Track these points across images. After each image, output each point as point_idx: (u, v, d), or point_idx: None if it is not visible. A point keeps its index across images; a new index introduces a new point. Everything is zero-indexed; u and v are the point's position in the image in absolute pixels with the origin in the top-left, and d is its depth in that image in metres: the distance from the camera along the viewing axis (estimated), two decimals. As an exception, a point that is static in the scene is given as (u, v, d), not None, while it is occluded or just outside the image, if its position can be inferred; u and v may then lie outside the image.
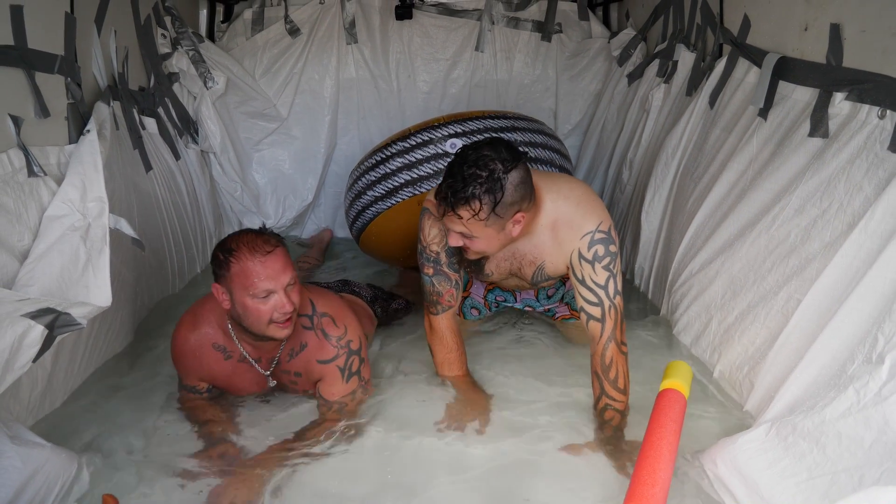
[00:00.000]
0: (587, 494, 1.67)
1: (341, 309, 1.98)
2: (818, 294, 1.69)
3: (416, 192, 2.80)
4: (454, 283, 2.05)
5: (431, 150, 2.79)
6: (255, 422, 1.94)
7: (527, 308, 2.50)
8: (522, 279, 2.08)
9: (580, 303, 1.93)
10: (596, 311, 1.89)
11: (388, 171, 2.85)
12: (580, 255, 1.88)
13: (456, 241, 1.81)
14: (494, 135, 2.67)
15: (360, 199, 2.98)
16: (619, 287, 1.91)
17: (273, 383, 1.98)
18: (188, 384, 1.99)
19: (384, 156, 2.89)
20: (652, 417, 1.71)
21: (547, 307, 2.47)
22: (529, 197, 1.79)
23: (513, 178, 1.71)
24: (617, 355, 1.89)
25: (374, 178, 2.91)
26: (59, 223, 1.88)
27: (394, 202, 2.86)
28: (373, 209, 2.95)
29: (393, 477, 1.73)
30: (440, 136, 2.81)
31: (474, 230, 1.75)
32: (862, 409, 1.37)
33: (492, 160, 1.69)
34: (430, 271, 2.04)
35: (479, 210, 1.69)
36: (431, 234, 2.00)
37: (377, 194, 2.91)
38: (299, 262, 3.44)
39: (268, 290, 1.69)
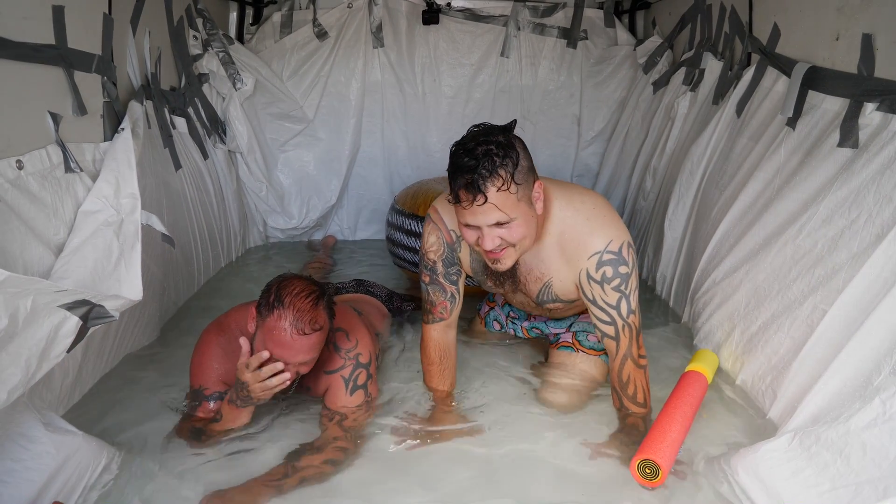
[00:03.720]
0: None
1: (357, 325, 1.99)
2: (844, 305, 1.68)
3: None
4: (449, 295, 1.99)
5: None
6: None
7: (535, 330, 2.39)
8: (527, 296, 1.98)
9: (593, 319, 1.87)
10: (610, 330, 1.85)
11: (414, 245, 2.90)
12: (588, 276, 1.80)
13: (492, 241, 1.66)
14: None
15: (391, 239, 3.09)
16: (634, 305, 1.82)
17: (283, 395, 1.96)
18: (207, 391, 1.90)
19: (411, 228, 2.93)
20: (673, 392, 1.82)
21: (555, 332, 2.31)
22: (535, 172, 1.71)
23: (519, 145, 1.65)
24: (634, 371, 1.86)
25: (400, 241, 3.00)
26: (93, 218, 1.92)
27: (414, 270, 2.94)
28: (398, 260, 3.10)
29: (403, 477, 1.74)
30: None
31: (507, 208, 1.62)
32: (888, 420, 1.37)
33: (490, 134, 1.62)
34: (427, 279, 2.00)
35: (506, 179, 1.58)
36: (430, 241, 1.97)
37: (402, 254, 3.01)
38: (312, 265, 3.49)
39: (279, 356, 1.68)
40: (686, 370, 2.04)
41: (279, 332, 1.65)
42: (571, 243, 1.80)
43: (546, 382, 2.16)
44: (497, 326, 2.49)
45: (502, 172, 1.59)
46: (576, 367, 2.16)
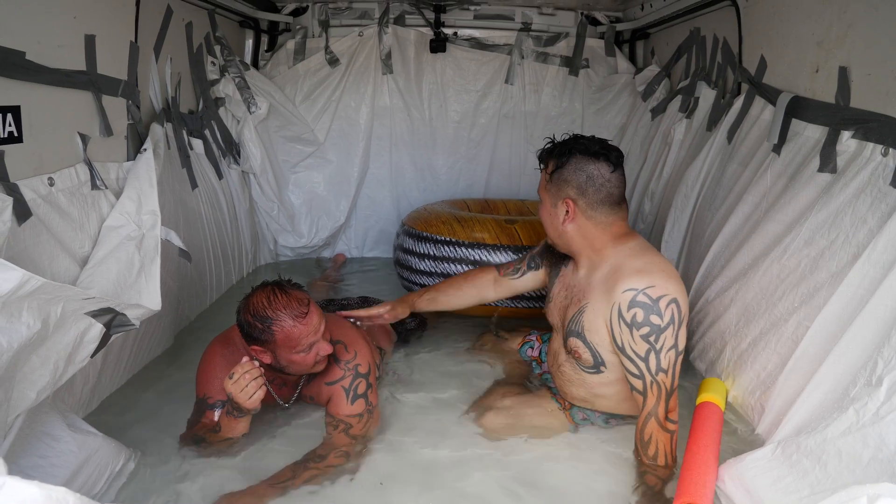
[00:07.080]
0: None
1: (354, 336, 2.08)
2: (825, 321, 1.76)
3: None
4: (515, 267, 2.33)
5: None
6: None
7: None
8: (564, 321, 2.00)
9: (624, 371, 1.84)
10: (638, 384, 1.80)
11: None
12: (619, 313, 1.76)
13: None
14: None
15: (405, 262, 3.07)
16: (666, 365, 1.75)
17: (286, 405, 2.07)
18: (211, 399, 1.97)
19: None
20: (692, 428, 1.81)
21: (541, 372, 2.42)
22: (590, 196, 1.84)
23: (581, 162, 1.85)
24: (657, 432, 1.78)
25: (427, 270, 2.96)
26: (116, 233, 2.04)
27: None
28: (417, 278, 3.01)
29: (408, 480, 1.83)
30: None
31: (540, 189, 1.97)
32: (861, 427, 1.44)
33: (582, 145, 1.87)
34: (524, 253, 2.39)
35: (545, 167, 1.95)
36: (542, 244, 2.31)
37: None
38: (326, 279, 3.58)
39: (312, 343, 1.83)
40: (699, 401, 2.02)
41: (294, 333, 1.78)
42: (615, 275, 1.81)
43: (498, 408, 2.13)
44: (529, 352, 2.56)
45: (546, 161, 1.94)
46: (541, 407, 2.12)
